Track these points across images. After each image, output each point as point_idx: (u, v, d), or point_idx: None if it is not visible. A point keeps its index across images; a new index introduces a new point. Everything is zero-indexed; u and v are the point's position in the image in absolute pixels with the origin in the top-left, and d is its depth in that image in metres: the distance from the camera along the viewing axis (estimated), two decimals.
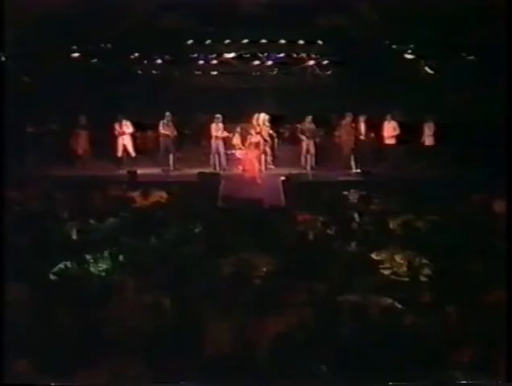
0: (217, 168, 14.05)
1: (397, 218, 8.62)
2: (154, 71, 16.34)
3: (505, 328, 4.78)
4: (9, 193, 7.91)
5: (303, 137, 14.00)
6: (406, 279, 6.47)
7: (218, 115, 13.91)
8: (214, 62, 16.29)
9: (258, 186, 12.38)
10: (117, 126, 14.02)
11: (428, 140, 14.08)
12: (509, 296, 5.16)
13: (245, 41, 15.90)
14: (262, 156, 14.05)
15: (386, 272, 6.64)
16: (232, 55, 16.09)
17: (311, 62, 16.19)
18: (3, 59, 11.43)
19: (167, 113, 13.97)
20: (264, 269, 6.57)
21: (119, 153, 14.08)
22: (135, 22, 14.39)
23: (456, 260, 6.60)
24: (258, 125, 13.98)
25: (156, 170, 13.93)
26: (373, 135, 14.32)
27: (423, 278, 6.45)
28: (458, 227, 8.15)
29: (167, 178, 13.39)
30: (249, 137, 13.38)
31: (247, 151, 13.33)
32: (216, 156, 14.11)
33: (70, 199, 10.00)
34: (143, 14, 14.32)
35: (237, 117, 14.31)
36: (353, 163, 14.09)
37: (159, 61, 16.25)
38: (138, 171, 12.90)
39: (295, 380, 4.44)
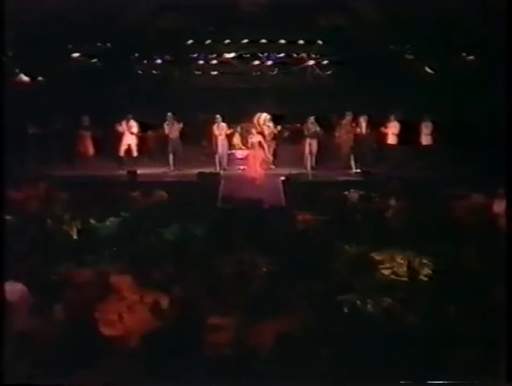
0: (217, 168, 14.04)
1: (397, 218, 8.62)
2: (154, 71, 16.35)
3: (505, 328, 4.78)
4: (9, 193, 7.91)
5: (306, 140, 13.99)
6: (406, 279, 6.47)
7: (218, 115, 13.90)
8: (214, 62, 16.30)
9: (258, 186, 12.36)
10: (124, 125, 13.96)
11: (426, 139, 14.07)
12: (509, 296, 5.16)
13: (245, 41, 15.91)
14: (263, 156, 14.06)
15: (386, 272, 6.64)
16: (232, 55, 16.10)
17: (311, 62, 16.19)
18: (3, 59, 11.42)
19: (169, 114, 13.96)
20: (264, 269, 6.57)
21: (121, 153, 14.06)
22: (135, 22, 14.39)
23: (456, 260, 6.60)
24: (259, 125, 13.97)
25: (156, 170, 13.92)
26: (373, 135, 14.31)
27: (423, 278, 6.45)
28: (458, 227, 8.15)
29: (167, 178, 13.38)
30: (250, 136, 13.36)
31: (248, 151, 13.32)
32: (217, 156, 14.10)
33: (70, 199, 9.99)
34: (143, 14, 14.32)
35: (237, 117, 14.31)
36: (352, 163, 14.08)
37: (159, 61, 16.26)
38: (138, 171, 12.89)
39: (295, 380, 4.44)
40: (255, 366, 4.58)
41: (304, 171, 13.81)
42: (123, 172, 13.00)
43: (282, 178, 12.60)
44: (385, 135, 14.19)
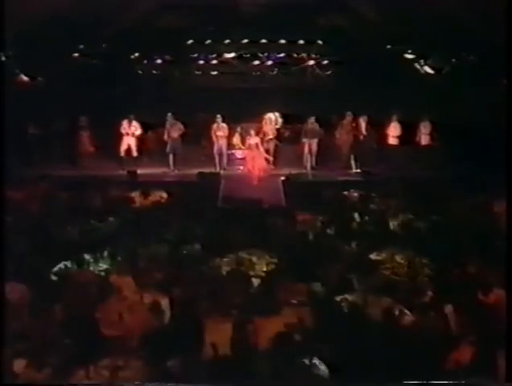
0: (218, 168, 14.03)
1: (397, 218, 8.62)
2: (154, 71, 16.35)
3: (505, 328, 4.78)
4: (9, 193, 7.91)
5: (305, 139, 14.00)
6: (406, 279, 6.47)
7: (218, 115, 13.90)
8: (214, 62, 16.31)
9: (258, 186, 12.36)
10: (125, 125, 13.95)
11: (425, 139, 14.07)
12: (509, 296, 5.16)
13: (245, 41, 15.92)
14: (264, 156, 14.06)
15: (386, 272, 6.64)
16: (232, 55, 16.11)
17: (311, 62, 16.20)
18: (3, 59, 11.42)
19: (169, 114, 13.96)
20: (264, 269, 6.57)
21: (122, 153, 14.06)
22: (135, 22, 14.39)
23: (456, 260, 6.60)
24: (267, 125, 13.98)
25: (156, 170, 13.91)
26: (373, 135, 14.31)
27: (423, 278, 6.45)
28: (458, 227, 8.15)
29: (167, 178, 13.37)
30: (248, 138, 13.37)
31: (247, 152, 13.32)
32: (217, 156, 14.10)
33: (70, 199, 9.99)
34: (143, 14, 14.33)
35: (237, 117, 14.30)
36: (353, 163, 14.08)
37: (159, 61, 16.26)
38: (138, 171, 12.89)
39: (295, 380, 4.44)
40: (255, 366, 4.58)
41: (304, 171, 13.80)
42: (123, 172, 13.00)
43: (282, 178, 12.59)
44: (385, 135, 14.19)
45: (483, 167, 10.75)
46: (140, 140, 14.49)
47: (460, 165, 12.61)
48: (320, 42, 15.98)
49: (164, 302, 5.47)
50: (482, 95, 13.00)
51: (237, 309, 5.32)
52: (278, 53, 16.22)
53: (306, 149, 14.06)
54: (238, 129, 14.12)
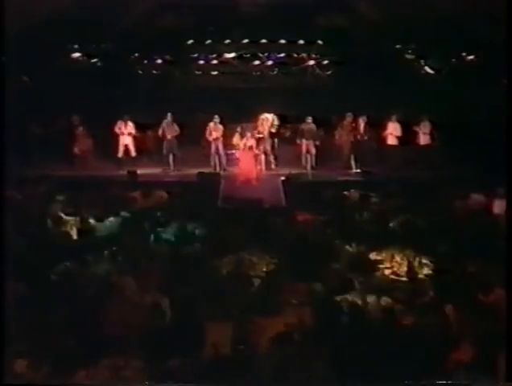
0: (217, 168, 14.03)
1: (397, 218, 8.62)
2: (154, 71, 16.34)
3: (505, 328, 4.78)
4: (9, 193, 7.91)
5: (303, 140, 14.01)
6: (406, 279, 6.47)
7: (216, 116, 13.91)
8: (214, 62, 16.29)
9: (258, 187, 12.37)
10: (120, 125, 13.98)
11: (425, 139, 14.06)
12: (509, 296, 5.16)
13: (245, 41, 15.90)
14: (263, 156, 14.07)
15: (386, 272, 6.64)
16: (232, 55, 16.09)
17: (311, 62, 16.19)
18: (3, 59, 11.40)
19: (169, 114, 13.97)
20: (264, 269, 6.57)
21: (120, 154, 14.06)
22: (135, 22, 14.38)
23: (456, 260, 6.60)
24: (262, 125, 14.00)
25: (156, 170, 13.91)
26: (373, 135, 14.31)
27: (423, 278, 6.45)
28: (458, 227, 8.14)
29: (167, 178, 13.37)
30: (245, 138, 13.39)
31: (244, 153, 13.35)
32: (216, 156, 14.10)
33: (70, 199, 9.99)
34: (143, 14, 14.32)
35: (237, 117, 14.30)
36: (353, 163, 14.08)
37: (159, 61, 16.25)
38: (138, 171, 12.89)
39: (295, 380, 4.44)
40: (255, 366, 4.58)
41: (304, 171, 13.80)
42: (123, 172, 13.01)
43: (282, 178, 12.60)
44: (385, 135, 14.19)
45: (483, 167, 10.75)
46: (140, 140, 14.50)
47: (460, 165, 12.61)
48: (320, 42, 15.96)
49: (164, 302, 5.47)
50: (482, 95, 12.98)
51: (237, 309, 5.33)
52: (278, 53, 16.21)
53: (304, 150, 14.07)
54: (238, 129, 14.12)
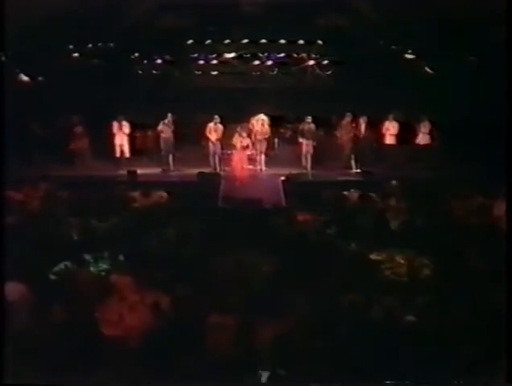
0: (217, 168, 14.06)
1: (397, 218, 8.61)
2: (154, 71, 16.35)
3: (505, 328, 4.78)
4: (9, 193, 7.91)
5: (303, 140, 14.02)
6: (406, 279, 6.46)
7: (216, 116, 13.92)
8: (214, 62, 16.31)
9: (258, 186, 12.39)
10: (115, 126, 14.01)
11: (425, 139, 14.07)
12: (509, 296, 5.16)
13: (245, 41, 15.92)
14: (263, 156, 14.10)
15: (386, 272, 6.63)
16: (232, 55, 16.11)
17: (311, 62, 16.20)
18: (3, 59, 11.40)
19: (169, 114, 13.98)
20: (264, 269, 6.57)
21: (117, 154, 14.09)
22: (135, 22, 14.40)
23: (456, 260, 6.60)
24: (253, 126, 14.05)
25: (156, 170, 13.93)
26: (373, 135, 14.32)
27: (423, 278, 6.44)
28: (458, 227, 8.14)
29: (167, 178, 13.38)
30: (240, 139, 13.43)
31: (237, 152, 13.41)
32: (215, 156, 14.12)
33: (70, 199, 9.98)
34: (143, 14, 14.33)
35: (237, 117, 14.31)
36: (353, 163, 14.09)
37: (159, 61, 16.26)
38: (138, 171, 12.90)
39: (295, 380, 4.44)
40: (255, 366, 4.58)
41: (304, 171, 13.83)
42: (123, 172, 13.02)
43: (282, 178, 12.61)
44: (385, 135, 14.20)
45: (483, 167, 10.75)
46: (140, 140, 14.53)
47: (460, 165, 12.62)
48: (320, 42, 15.98)
49: (164, 302, 5.47)
50: (482, 95, 12.99)
51: (237, 309, 5.32)
52: (278, 53, 16.22)
53: (304, 149, 14.08)
54: (238, 129, 14.14)
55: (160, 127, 14.02)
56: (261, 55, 16.21)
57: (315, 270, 6.27)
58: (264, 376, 4.46)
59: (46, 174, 11.59)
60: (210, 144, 13.98)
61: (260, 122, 14.22)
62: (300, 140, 14.07)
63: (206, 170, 13.31)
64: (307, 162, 14.10)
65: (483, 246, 6.93)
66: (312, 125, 14.05)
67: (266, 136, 14.19)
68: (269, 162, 14.31)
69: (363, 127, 14.28)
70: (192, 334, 4.93)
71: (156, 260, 6.74)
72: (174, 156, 14.13)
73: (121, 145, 14.07)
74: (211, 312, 5.26)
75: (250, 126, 14.12)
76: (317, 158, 14.17)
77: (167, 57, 16.21)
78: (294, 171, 13.28)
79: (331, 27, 15.03)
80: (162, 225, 8.24)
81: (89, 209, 9.26)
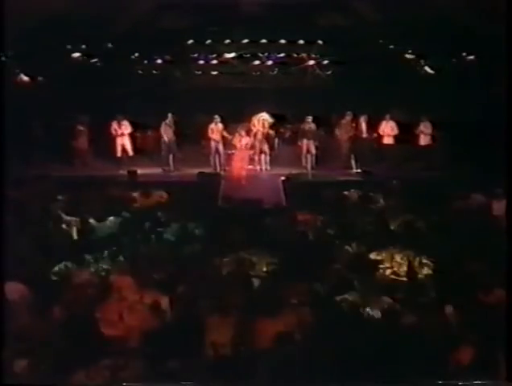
0: (217, 168, 14.06)
1: (397, 218, 8.62)
2: (154, 71, 16.35)
3: (505, 328, 4.78)
4: (9, 193, 7.90)
5: (304, 140, 14.02)
6: (406, 279, 6.47)
7: (216, 116, 13.93)
8: (214, 62, 16.30)
9: (258, 186, 12.39)
10: (115, 126, 14.02)
11: (425, 139, 14.07)
12: (509, 296, 5.17)
13: (245, 41, 15.92)
14: (262, 156, 14.09)
15: (386, 272, 6.64)
16: (232, 55, 16.10)
17: (311, 62, 16.20)
18: (3, 59, 11.40)
19: (170, 115, 13.99)
20: (264, 269, 6.57)
21: (118, 154, 14.09)
22: (135, 22, 14.39)
23: (456, 260, 6.60)
24: (254, 126, 14.06)
25: (156, 170, 13.93)
26: (373, 135, 14.32)
27: (423, 278, 6.45)
28: (458, 227, 8.14)
29: (167, 178, 13.38)
30: (240, 138, 13.44)
31: (238, 152, 13.42)
32: (217, 156, 14.12)
33: (70, 199, 9.99)
34: (143, 14, 14.32)
35: (237, 117, 14.31)
36: (353, 163, 14.09)
37: (159, 61, 16.26)
38: (138, 171, 12.90)
39: (295, 380, 4.44)
40: (255, 366, 4.58)
41: (304, 171, 13.82)
42: (123, 172, 13.02)
43: (282, 178, 12.61)
44: (384, 135, 14.20)
45: (483, 167, 10.75)
46: (140, 140, 14.53)
47: (460, 165, 12.62)
48: (320, 42, 15.98)
49: (164, 302, 5.47)
50: (482, 95, 13.00)
51: (237, 309, 5.32)
52: (278, 53, 16.22)
53: (304, 150, 14.09)
54: (239, 129, 14.13)
55: (162, 127, 14.01)
56: (261, 55, 16.20)
57: (315, 270, 6.28)
58: None
59: (46, 174, 11.59)
60: (212, 144, 13.98)
61: (261, 122, 14.22)
62: (299, 142, 14.07)
63: (206, 170, 13.31)
64: (308, 162, 14.10)
65: (483, 246, 6.93)
66: (313, 125, 14.05)
67: (267, 135, 14.18)
68: (269, 161, 14.31)
69: (363, 127, 14.28)
70: (191, 334, 4.93)
71: (156, 260, 6.75)
72: (174, 156, 14.13)
73: (122, 145, 14.06)
74: (210, 311, 5.27)
75: (252, 126, 14.11)
76: (317, 158, 14.17)
77: (167, 57, 16.20)
78: (294, 171, 13.28)
79: (331, 27, 15.02)
80: (162, 225, 8.25)
81: (89, 209, 9.27)
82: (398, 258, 6.77)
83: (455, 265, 6.46)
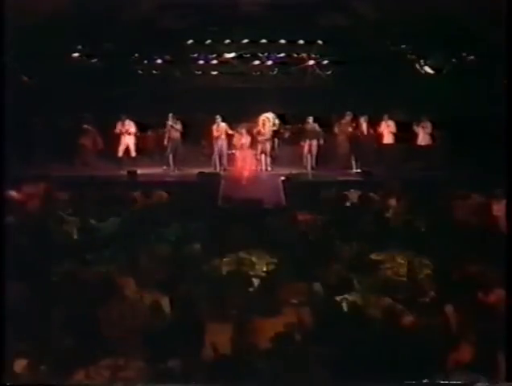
0: (218, 168, 14.07)
1: (397, 218, 8.62)
2: (154, 71, 16.36)
3: (505, 328, 4.78)
4: (9, 193, 7.91)
5: (306, 140, 14.03)
6: (406, 279, 6.46)
7: (217, 116, 13.93)
8: (214, 62, 16.32)
9: (258, 186, 12.39)
10: (119, 126, 14.01)
11: (426, 139, 14.08)
12: (509, 296, 5.16)
13: (245, 41, 15.94)
14: (263, 156, 14.10)
15: (386, 272, 6.63)
16: (232, 55, 16.12)
17: (311, 62, 16.21)
18: (3, 59, 11.40)
19: (170, 115, 13.99)
20: (264, 269, 6.57)
21: (120, 153, 14.09)
22: (135, 22, 14.40)
23: (456, 260, 6.60)
24: (264, 125, 14.05)
25: (157, 170, 13.94)
26: (373, 135, 14.33)
27: (423, 278, 6.44)
28: (458, 227, 8.14)
29: (168, 178, 13.39)
30: (243, 138, 13.45)
31: (241, 152, 13.42)
32: (218, 156, 14.13)
33: (70, 199, 9.99)
34: (143, 14, 14.33)
35: (237, 117, 14.33)
36: (353, 163, 14.09)
37: (159, 61, 16.28)
38: (139, 171, 12.91)
39: (295, 380, 4.44)
40: (255, 366, 4.58)
41: (304, 171, 13.83)
42: (123, 172, 13.02)
43: (282, 178, 12.61)
44: (384, 135, 14.20)
45: (483, 167, 10.76)
46: (140, 140, 14.52)
47: (460, 165, 12.63)
48: (320, 42, 16.00)
49: (164, 302, 5.47)
50: (482, 95, 13.00)
51: (237, 309, 5.32)
52: (278, 53, 16.24)
53: (306, 150, 14.09)
54: (239, 129, 14.14)
55: (168, 128, 13.99)
56: (261, 55, 16.23)
57: (315, 270, 6.28)
58: None
59: (46, 174, 11.59)
60: (217, 143, 13.98)
61: (262, 121, 14.23)
62: (302, 143, 14.07)
63: (206, 170, 13.32)
64: (308, 162, 14.10)
65: (483, 246, 6.93)
66: (316, 125, 14.05)
67: (268, 135, 14.18)
68: (270, 162, 14.31)
69: (363, 127, 14.29)
70: (191, 334, 4.93)
71: (156, 260, 6.74)
72: (174, 156, 14.14)
73: (125, 145, 14.06)
74: (210, 311, 5.27)
75: (261, 126, 14.10)
76: (317, 158, 14.18)
77: (167, 57, 16.22)
78: (294, 171, 13.29)
79: (331, 27, 15.04)
80: (162, 225, 8.25)
81: (89, 209, 9.27)
82: (398, 258, 6.77)
83: (455, 265, 6.46)
